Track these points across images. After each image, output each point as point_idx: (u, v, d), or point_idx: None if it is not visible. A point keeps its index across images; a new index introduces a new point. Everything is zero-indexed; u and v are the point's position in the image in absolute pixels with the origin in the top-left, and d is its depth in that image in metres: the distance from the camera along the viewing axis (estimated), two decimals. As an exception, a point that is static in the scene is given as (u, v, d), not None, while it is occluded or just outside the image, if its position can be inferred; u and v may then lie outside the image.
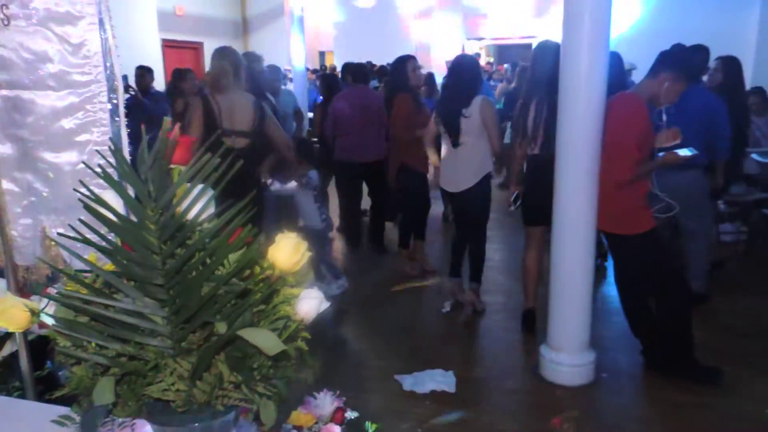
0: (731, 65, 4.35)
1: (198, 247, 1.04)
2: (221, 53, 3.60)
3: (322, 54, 13.22)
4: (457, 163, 3.95)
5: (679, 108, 3.61)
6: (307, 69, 10.49)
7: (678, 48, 3.49)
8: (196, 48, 11.70)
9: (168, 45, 10.22)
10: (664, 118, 2.96)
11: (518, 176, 3.76)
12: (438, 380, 3.11)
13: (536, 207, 3.59)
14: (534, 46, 3.73)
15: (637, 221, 3.01)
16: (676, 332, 3.05)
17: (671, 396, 2.98)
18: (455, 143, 3.90)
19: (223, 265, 1.07)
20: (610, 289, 3.40)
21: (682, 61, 3.07)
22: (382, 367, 3.31)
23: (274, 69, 6.17)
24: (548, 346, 3.18)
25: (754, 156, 4.92)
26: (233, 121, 3.44)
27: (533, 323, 3.70)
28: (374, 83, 7.74)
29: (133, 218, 1.04)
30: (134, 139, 1.16)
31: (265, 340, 1.02)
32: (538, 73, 3.54)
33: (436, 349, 3.58)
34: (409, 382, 3.11)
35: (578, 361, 3.09)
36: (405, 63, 4.75)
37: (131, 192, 1.04)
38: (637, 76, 8.48)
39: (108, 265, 1.08)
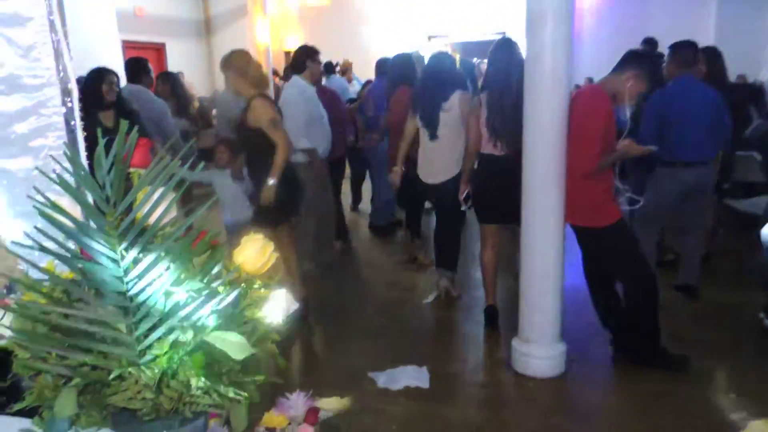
0: (714, 56, 4.43)
1: (161, 251, 1.02)
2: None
3: (288, 54, 13.11)
4: (435, 156, 4.04)
5: (683, 101, 3.74)
6: (274, 71, 10.42)
7: (647, 48, 3.56)
8: (159, 49, 11.49)
9: (129, 46, 10.01)
10: (627, 114, 3.01)
11: (469, 174, 3.81)
12: (411, 376, 3.12)
13: (489, 206, 3.65)
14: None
15: (603, 214, 3.06)
16: (644, 322, 3.10)
17: (640, 385, 3.03)
18: (432, 136, 3.95)
19: (187, 269, 1.05)
20: (580, 280, 3.45)
21: (648, 61, 3.14)
22: (357, 365, 3.30)
23: None
24: (519, 339, 3.21)
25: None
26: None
27: (495, 319, 3.73)
28: (340, 80, 7.72)
29: (93, 224, 1.01)
30: (94, 142, 1.13)
31: (233, 344, 1.00)
32: (496, 71, 3.56)
33: (410, 345, 3.58)
34: (383, 379, 3.11)
35: (549, 353, 3.12)
36: (410, 57, 4.96)
37: (90, 198, 1.01)
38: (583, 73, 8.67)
39: (67, 273, 1.05)
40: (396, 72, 4.94)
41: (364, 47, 11.44)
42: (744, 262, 3.57)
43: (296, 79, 4.54)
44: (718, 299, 4.04)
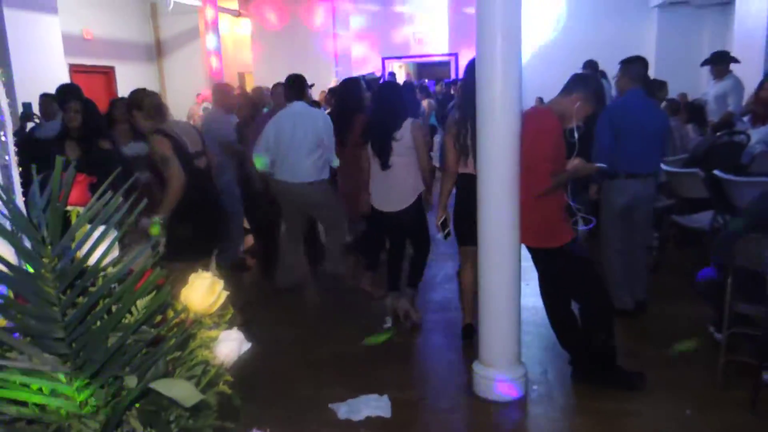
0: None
1: (102, 293, 0.96)
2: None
3: (241, 75, 13.01)
4: (390, 184, 4.07)
5: (633, 114, 3.91)
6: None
7: (590, 70, 3.69)
8: (107, 72, 11.25)
9: (76, 70, 9.76)
10: (576, 135, 3.07)
11: (448, 197, 3.80)
12: (373, 406, 3.06)
13: (469, 226, 3.64)
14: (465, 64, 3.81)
15: (557, 234, 3.10)
16: (600, 341, 3.14)
17: (600, 404, 3.05)
18: (385, 165, 3.97)
19: (131, 312, 0.99)
20: (536, 301, 3.47)
21: (593, 84, 3.24)
22: (316, 396, 3.22)
23: None
24: (480, 363, 3.20)
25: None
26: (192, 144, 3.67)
27: (471, 337, 3.73)
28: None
29: (29, 268, 0.95)
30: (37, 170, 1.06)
31: (180, 391, 0.95)
32: (469, 91, 3.60)
33: (370, 372, 3.52)
34: (344, 410, 3.04)
35: (509, 376, 3.12)
36: (359, 83, 4.87)
37: (26, 240, 0.95)
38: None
39: (0, 321, 0.98)
40: (343, 100, 4.84)
41: (317, 70, 11.48)
42: (690, 276, 3.65)
43: (303, 105, 4.59)
44: (668, 313, 4.12)
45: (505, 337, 3.12)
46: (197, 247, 3.60)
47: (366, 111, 4.64)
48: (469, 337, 3.78)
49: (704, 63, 6.65)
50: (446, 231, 3.77)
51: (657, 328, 3.94)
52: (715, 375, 3.19)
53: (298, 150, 4.46)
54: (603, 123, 3.99)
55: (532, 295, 4.03)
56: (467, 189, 3.65)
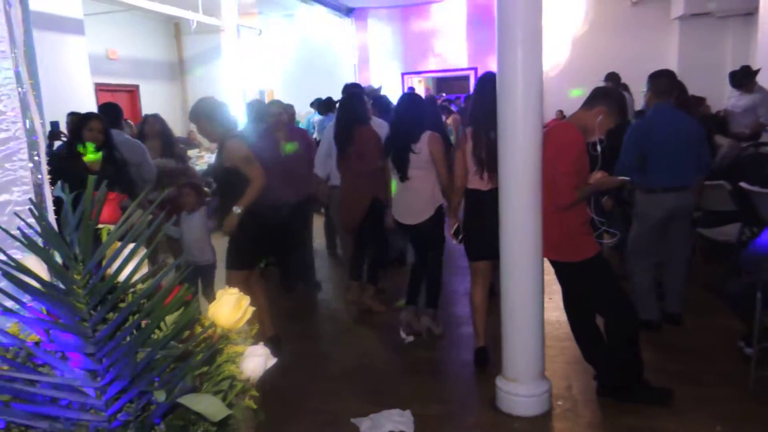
0: (681, 89, 4.57)
1: (131, 310, 0.97)
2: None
3: (262, 93, 13.17)
4: (408, 196, 4.08)
5: (662, 128, 3.89)
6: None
7: (611, 83, 3.67)
8: (132, 90, 11.48)
9: (101, 89, 9.98)
10: (599, 148, 3.05)
11: (457, 209, 3.81)
12: (395, 420, 3.04)
13: (477, 242, 3.63)
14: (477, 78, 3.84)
15: (580, 248, 3.07)
16: (626, 356, 3.09)
17: (626, 420, 3.00)
18: (403, 177, 3.99)
19: (159, 327, 1.01)
20: (560, 315, 3.43)
21: (616, 97, 3.22)
22: (338, 410, 3.22)
23: None
24: (504, 378, 3.17)
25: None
26: None
27: (485, 361, 3.67)
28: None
29: (59, 284, 0.97)
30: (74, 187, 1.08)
31: (208, 405, 0.96)
32: (482, 105, 3.60)
33: (392, 386, 3.51)
34: (367, 425, 3.03)
35: (533, 391, 3.08)
36: (359, 93, 4.85)
37: (57, 256, 0.97)
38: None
39: (32, 336, 1.00)
40: (346, 112, 4.69)
41: (338, 85, 11.58)
42: (718, 289, 3.59)
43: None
44: (696, 327, 4.05)
45: (528, 351, 3.09)
46: (248, 254, 3.80)
47: (368, 122, 4.65)
48: (482, 362, 3.67)
49: (734, 83, 6.61)
50: (460, 237, 3.76)
51: (684, 343, 3.87)
52: (745, 391, 3.12)
53: None
54: (628, 141, 3.98)
55: (555, 309, 4.00)
56: (475, 204, 3.65)
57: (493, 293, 3.87)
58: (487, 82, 3.65)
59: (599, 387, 3.27)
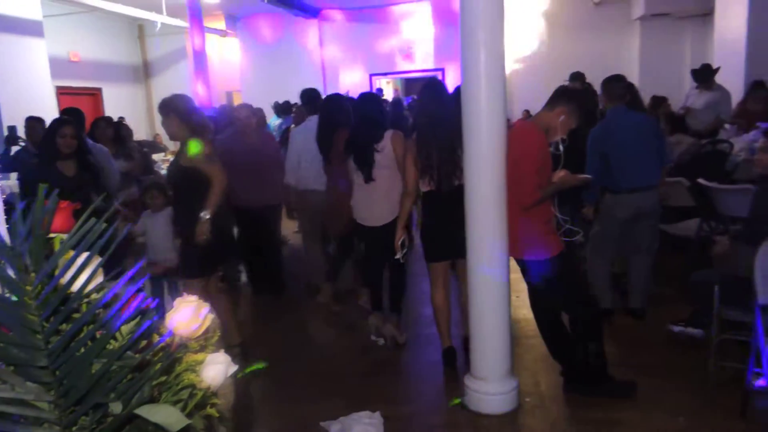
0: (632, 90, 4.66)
1: (86, 320, 0.96)
2: None
3: (229, 95, 13.02)
4: (373, 198, 3.99)
5: (620, 131, 3.99)
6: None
7: (576, 83, 3.72)
8: (95, 93, 11.25)
9: (63, 92, 9.77)
10: (561, 148, 3.10)
11: (405, 221, 3.74)
12: (365, 423, 3.04)
13: (436, 242, 3.64)
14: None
15: (544, 246, 3.12)
16: (591, 351, 3.15)
17: (592, 414, 3.06)
18: (368, 178, 3.94)
19: (115, 337, 0.99)
20: (527, 313, 3.48)
21: (577, 97, 3.27)
22: (307, 414, 3.20)
23: None
24: (472, 377, 3.20)
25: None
26: None
27: (454, 360, 3.68)
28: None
29: (12, 296, 0.95)
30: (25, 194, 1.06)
31: (166, 415, 0.95)
32: (425, 111, 3.62)
33: (361, 389, 3.51)
34: (336, 428, 3.02)
35: (502, 389, 3.12)
36: (341, 99, 4.81)
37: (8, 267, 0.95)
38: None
39: (-18, 350, 0.98)
40: (326, 117, 4.67)
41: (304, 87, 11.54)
42: (678, 282, 3.68)
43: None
44: (658, 320, 4.14)
45: (496, 350, 3.12)
46: (210, 260, 3.69)
47: (348, 127, 4.62)
48: (451, 363, 3.67)
49: (697, 79, 6.79)
50: (403, 252, 3.69)
51: (646, 336, 3.96)
52: (705, 381, 3.21)
53: None
54: (590, 147, 4.06)
55: (522, 307, 4.05)
56: (433, 206, 3.65)
57: None
58: (429, 89, 3.69)
59: (566, 382, 3.32)
